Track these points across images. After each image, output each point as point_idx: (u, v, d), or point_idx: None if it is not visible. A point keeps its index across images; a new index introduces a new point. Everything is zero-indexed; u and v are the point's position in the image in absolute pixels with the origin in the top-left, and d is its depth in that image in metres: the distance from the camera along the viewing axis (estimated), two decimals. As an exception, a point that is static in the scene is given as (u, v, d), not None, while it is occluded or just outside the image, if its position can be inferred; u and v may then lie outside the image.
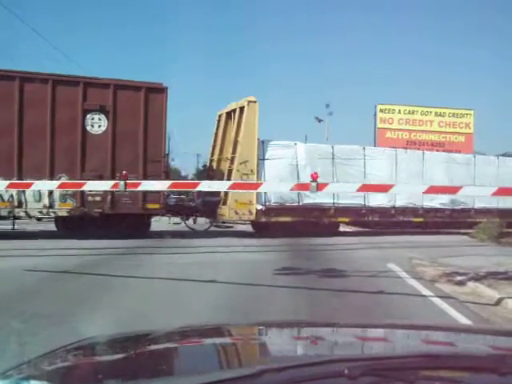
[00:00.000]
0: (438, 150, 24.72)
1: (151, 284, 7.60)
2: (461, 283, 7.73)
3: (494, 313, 5.97)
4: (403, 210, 17.48)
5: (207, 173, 18.20)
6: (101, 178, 12.86)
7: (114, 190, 11.34)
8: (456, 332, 2.08)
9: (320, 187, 6.72)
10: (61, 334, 4.09)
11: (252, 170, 15.36)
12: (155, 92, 14.55)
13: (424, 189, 7.83)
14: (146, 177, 13.53)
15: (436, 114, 28.07)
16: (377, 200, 16.62)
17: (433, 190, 7.87)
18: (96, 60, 72.57)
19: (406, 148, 21.20)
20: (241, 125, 15.77)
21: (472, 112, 28.41)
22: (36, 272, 8.13)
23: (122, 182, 7.37)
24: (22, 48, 60.37)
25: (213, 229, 16.43)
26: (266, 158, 15.83)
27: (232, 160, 15.89)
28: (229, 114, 17.18)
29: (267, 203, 15.80)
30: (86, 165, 13.75)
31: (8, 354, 3.32)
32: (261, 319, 4.57)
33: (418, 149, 23.36)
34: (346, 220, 17.46)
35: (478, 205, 17.96)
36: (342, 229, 18.18)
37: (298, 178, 15.59)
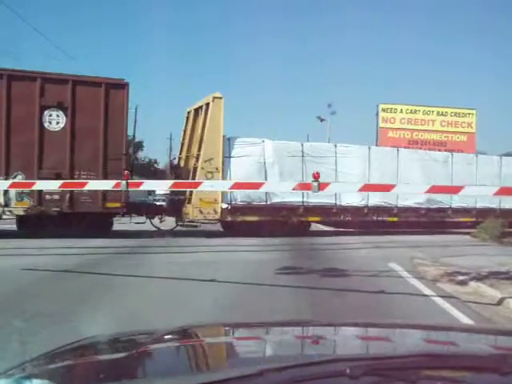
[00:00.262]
0: (439, 150, 24.70)
1: (151, 283, 7.61)
2: (463, 283, 7.72)
3: (495, 312, 5.96)
4: (377, 209, 16.95)
5: (175, 171, 17.80)
6: (59, 176, 12.67)
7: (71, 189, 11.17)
8: (458, 332, 2.07)
9: (322, 187, 6.69)
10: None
11: (217, 168, 14.97)
12: (116, 88, 14.20)
13: (426, 189, 7.81)
14: (106, 175, 13.32)
15: (438, 113, 28.02)
16: (349, 199, 16.10)
17: (434, 189, 7.84)
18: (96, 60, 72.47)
19: (405, 147, 21.15)
20: (206, 122, 15.37)
21: (474, 111, 28.36)
22: None
23: (124, 182, 7.38)
24: (24, 47, 60.42)
25: (179, 228, 15.79)
26: (231, 155, 15.38)
27: (198, 158, 15.50)
28: (197, 111, 16.63)
29: (233, 202, 15.38)
30: (43, 162, 13.40)
31: (9, 353, 3.32)
32: (262, 318, 4.57)
33: (420, 148, 23.37)
34: (317, 219, 16.84)
35: (456, 204, 17.52)
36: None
37: (266, 176, 15.25)
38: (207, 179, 14.19)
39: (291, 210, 15.93)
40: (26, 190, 12.83)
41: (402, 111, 27.76)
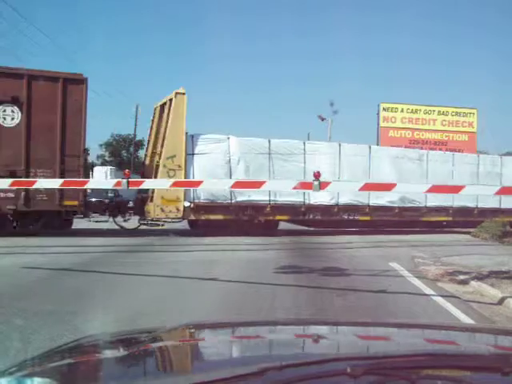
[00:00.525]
0: (440, 149, 24.72)
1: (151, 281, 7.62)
2: (463, 282, 7.72)
3: (496, 312, 5.96)
4: (347, 208, 16.46)
5: (141, 169, 17.48)
6: (13, 173, 12.27)
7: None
8: (458, 331, 2.07)
9: (323, 186, 6.65)
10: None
11: (180, 166, 14.54)
12: (74, 83, 13.71)
13: (426, 188, 7.77)
14: (63, 173, 12.99)
15: (439, 112, 28.03)
16: (318, 197, 15.47)
17: (435, 189, 7.79)
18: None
19: (406, 146, 21.09)
20: (169, 118, 14.95)
21: (475, 111, 28.37)
22: None
23: (125, 181, 7.35)
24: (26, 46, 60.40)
25: (143, 227, 15.51)
26: (195, 152, 14.90)
27: (160, 155, 15.02)
28: (162, 107, 16.00)
29: (196, 200, 14.92)
30: None
31: (10, 351, 3.32)
32: (263, 317, 4.57)
33: (421, 148, 23.34)
34: (285, 218, 16.30)
35: (431, 203, 17.06)
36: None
37: (231, 173, 14.89)
38: (169, 177, 13.81)
39: (258, 209, 15.57)
40: None
41: (402, 110, 27.77)
